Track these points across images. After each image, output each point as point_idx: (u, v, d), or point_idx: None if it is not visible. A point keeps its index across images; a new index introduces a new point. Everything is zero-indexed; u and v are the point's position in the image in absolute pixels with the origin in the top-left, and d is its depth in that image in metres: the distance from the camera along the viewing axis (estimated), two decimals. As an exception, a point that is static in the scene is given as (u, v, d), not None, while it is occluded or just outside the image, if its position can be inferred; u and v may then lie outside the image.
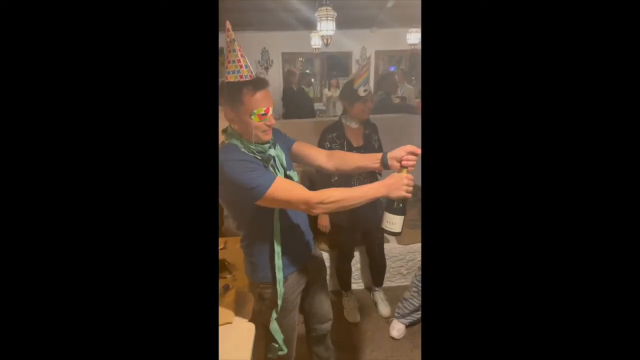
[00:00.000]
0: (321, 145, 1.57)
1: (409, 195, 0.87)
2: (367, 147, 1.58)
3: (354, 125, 1.57)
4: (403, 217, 0.90)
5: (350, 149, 1.56)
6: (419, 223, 2.14)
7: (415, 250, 2.04)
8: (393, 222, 0.89)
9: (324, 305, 1.23)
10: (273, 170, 0.93)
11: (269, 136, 0.92)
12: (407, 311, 1.68)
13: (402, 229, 0.91)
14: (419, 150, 0.91)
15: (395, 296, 2.01)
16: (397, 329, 1.70)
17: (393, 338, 1.69)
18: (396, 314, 1.73)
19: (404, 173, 0.89)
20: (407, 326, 1.72)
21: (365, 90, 1.48)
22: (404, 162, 0.92)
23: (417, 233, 2.05)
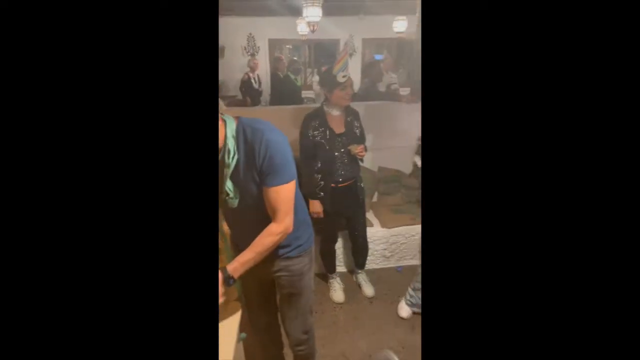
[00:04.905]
0: (304, 133, 1.60)
1: None
2: (349, 134, 1.62)
3: (335, 112, 1.60)
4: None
5: (333, 136, 1.60)
6: (403, 208, 2.21)
7: (398, 233, 2.12)
8: None
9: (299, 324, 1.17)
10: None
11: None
12: (420, 302, 1.73)
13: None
14: None
15: (379, 278, 2.09)
16: (406, 310, 1.77)
17: (402, 318, 1.77)
18: (407, 302, 1.77)
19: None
20: (416, 312, 1.79)
21: (344, 76, 1.50)
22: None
23: (400, 217, 2.13)
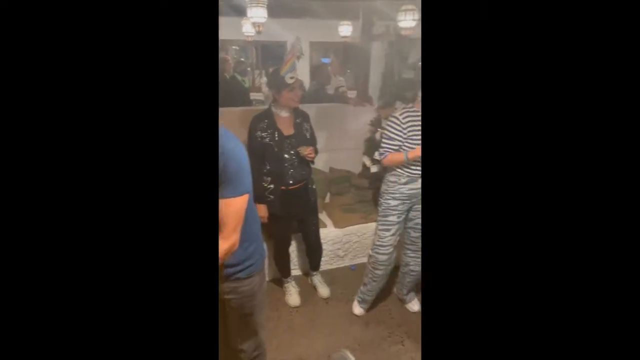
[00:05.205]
0: (252, 135, 1.56)
1: None
2: (299, 135, 1.61)
3: (284, 113, 1.58)
4: None
5: (282, 137, 1.57)
6: (354, 207, 2.26)
7: (350, 232, 2.16)
8: None
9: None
10: None
11: None
12: (366, 297, 1.78)
13: None
14: None
15: (334, 278, 2.11)
16: (359, 308, 1.82)
17: (356, 315, 1.81)
18: (358, 298, 1.81)
19: None
20: (368, 309, 1.84)
21: (292, 78, 1.50)
22: None
23: (352, 217, 2.17)
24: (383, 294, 1.86)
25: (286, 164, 1.60)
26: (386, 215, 1.57)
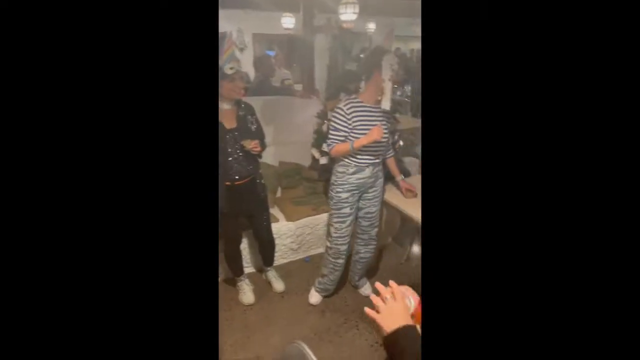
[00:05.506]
0: None
1: None
2: (242, 129, 1.56)
3: (225, 106, 1.51)
4: None
5: (224, 131, 1.51)
6: (305, 200, 2.26)
7: (304, 225, 2.16)
8: None
9: None
10: None
11: None
12: (328, 286, 1.81)
13: None
14: None
15: (289, 272, 2.10)
16: (316, 296, 1.85)
17: (312, 305, 1.84)
18: (317, 289, 1.84)
19: None
20: (325, 297, 1.88)
21: (231, 68, 1.44)
22: None
23: (303, 209, 2.17)
24: (338, 283, 1.90)
25: (230, 159, 1.54)
26: (340, 208, 1.60)
